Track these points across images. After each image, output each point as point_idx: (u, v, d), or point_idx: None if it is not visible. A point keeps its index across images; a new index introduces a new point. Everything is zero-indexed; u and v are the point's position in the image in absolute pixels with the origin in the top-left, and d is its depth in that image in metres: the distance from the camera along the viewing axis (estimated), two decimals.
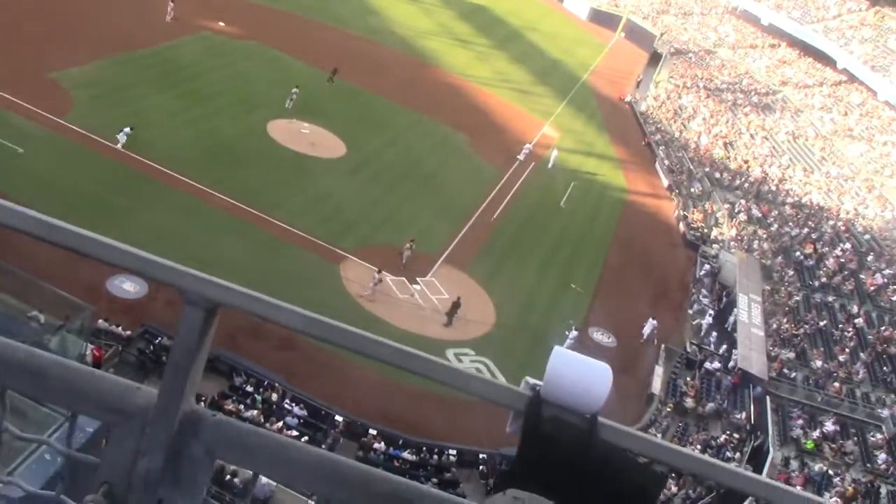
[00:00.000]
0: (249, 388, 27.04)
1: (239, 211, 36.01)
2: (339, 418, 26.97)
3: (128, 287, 28.85)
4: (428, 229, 40.69)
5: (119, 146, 36.99)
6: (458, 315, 34.09)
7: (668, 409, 33.72)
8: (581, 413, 1.67)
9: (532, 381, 1.73)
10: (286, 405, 26.97)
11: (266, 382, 27.44)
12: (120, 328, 26.65)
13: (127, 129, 37.33)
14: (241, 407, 25.96)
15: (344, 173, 43.29)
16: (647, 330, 38.30)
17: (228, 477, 21.45)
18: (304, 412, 26.84)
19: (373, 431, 27.21)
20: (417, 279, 36.32)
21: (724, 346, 39.65)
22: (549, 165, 54.77)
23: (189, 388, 1.74)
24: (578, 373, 1.70)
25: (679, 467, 1.67)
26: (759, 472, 29.82)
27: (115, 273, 28.76)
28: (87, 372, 1.76)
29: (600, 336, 37.62)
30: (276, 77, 51.14)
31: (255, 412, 25.71)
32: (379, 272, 34.37)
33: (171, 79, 45.93)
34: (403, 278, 36.01)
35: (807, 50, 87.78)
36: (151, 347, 26.67)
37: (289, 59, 55.26)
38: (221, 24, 56.67)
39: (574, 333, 34.85)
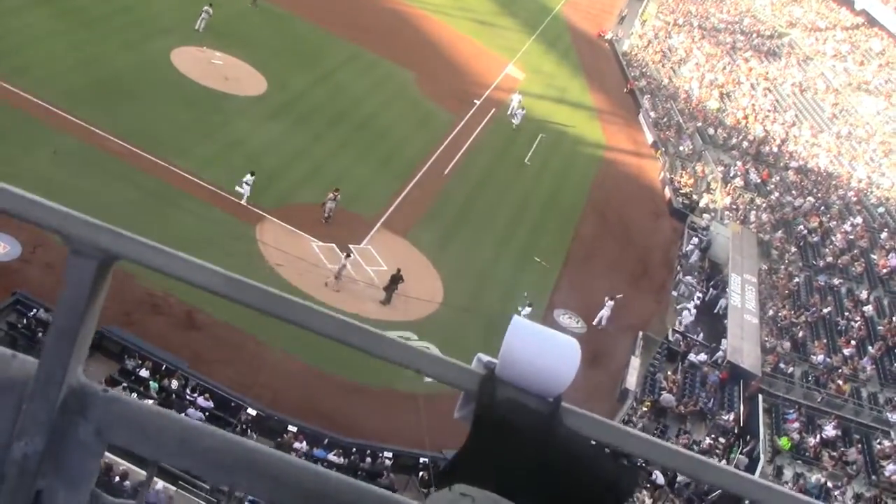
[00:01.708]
0: (144, 374, 26.75)
1: (134, 157, 35.40)
2: (251, 411, 26.88)
3: None
4: (364, 186, 40.53)
5: None
6: (397, 291, 34.12)
7: (645, 408, 34.29)
8: (542, 396, 1.68)
9: (486, 358, 1.75)
10: (188, 395, 26.79)
11: (165, 367, 27.18)
12: None
13: None
14: (134, 395, 25.73)
15: (263, 116, 42.82)
16: (604, 313, 38.45)
17: (118, 479, 21.28)
18: (210, 403, 26.68)
19: (292, 428, 27.14)
20: (350, 246, 36.24)
21: (712, 336, 40.38)
22: (509, 113, 54.89)
23: (76, 358, 1.73)
24: (540, 348, 1.71)
25: (654, 460, 1.71)
26: None
27: None
28: None
29: (567, 319, 37.99)
30: None
31: (150, 402, 25.50)
32: (347, 256, 34.37)
33: None
34: (333, 244, 35.89)
35: None
36: (24, 321, 26.20)
37: None
38: None
39: (527, 310, 34.87)
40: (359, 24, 56.71)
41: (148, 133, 37.05)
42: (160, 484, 22.04)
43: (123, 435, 1.77)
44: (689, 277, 44.74)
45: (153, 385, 26.48)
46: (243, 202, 35.93)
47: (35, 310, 26.41)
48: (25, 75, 37.11)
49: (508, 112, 54.77)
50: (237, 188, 36.04)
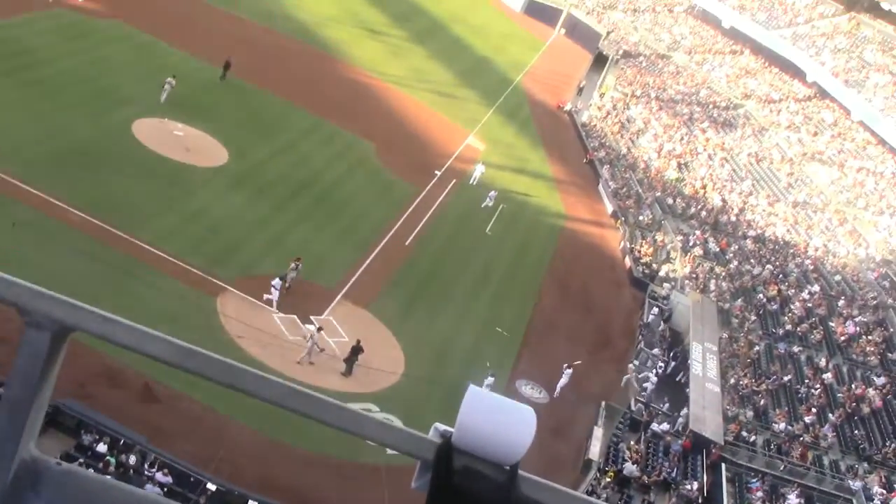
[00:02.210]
0: (102, 448, 26.32)
1: (94, 230, 35.23)
2: (211, 486, 26.50)
3: None
4: (325, 257, 40.58)
5: None
6: (358, 362, 33.98)
7: (608, 479, 34.20)
8: (499, 464, 1.70)
9: (442, 427, 1.76)
10: (147, 470, 26.37)
11: (123, 442, 26.77)
12: None
13: None
14: (91, 472, 25.24)
15: (224, 186, 42.88)
16: (562, 382, 38.55)
17: None
18: (169, 479, 26.27)
19: (253, 503, 26.80)
20: (311, 318, 36.13)
21: (674, 405, 40.49)
22: (472, 182, 55.54)
23: (28, 431, 1.72)
24: (496, 417, 1.72)
25: None
26: None
27: None
28: None
29: (529, 390, 38.01)
30: (147, 67, 50.54)
31: (108, 479, 25.05)
32: (319, 329, 34.21)
33: (9, 64, 44.80)
34: (295, 316, 35.79)
35: (773, 59, 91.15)
36: None
37: (163, 45, 54.70)
38: None
39: (491, 380, 34.82)
40: (320, 95, 57.25)
41: (109, 205, 36.92)
42: None
43: None
44: (651, 347, 44.98)
45: (111, 461, 26.04)
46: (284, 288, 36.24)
47: None
48: None
49: (472, 181, 55.45)
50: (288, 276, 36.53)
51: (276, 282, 35.43)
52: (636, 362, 43.55)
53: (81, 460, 25.49)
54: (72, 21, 52.67)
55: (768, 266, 55.69)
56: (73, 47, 49.65)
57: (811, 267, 56.77)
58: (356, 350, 33.86)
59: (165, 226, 37.63)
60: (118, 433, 26.97)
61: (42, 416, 1.77)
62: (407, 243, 45.39)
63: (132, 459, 26.40)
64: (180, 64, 51.80)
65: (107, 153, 41.08)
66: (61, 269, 31.17)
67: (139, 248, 35.41)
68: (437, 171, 54.15)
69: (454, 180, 54.41)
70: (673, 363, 44.22)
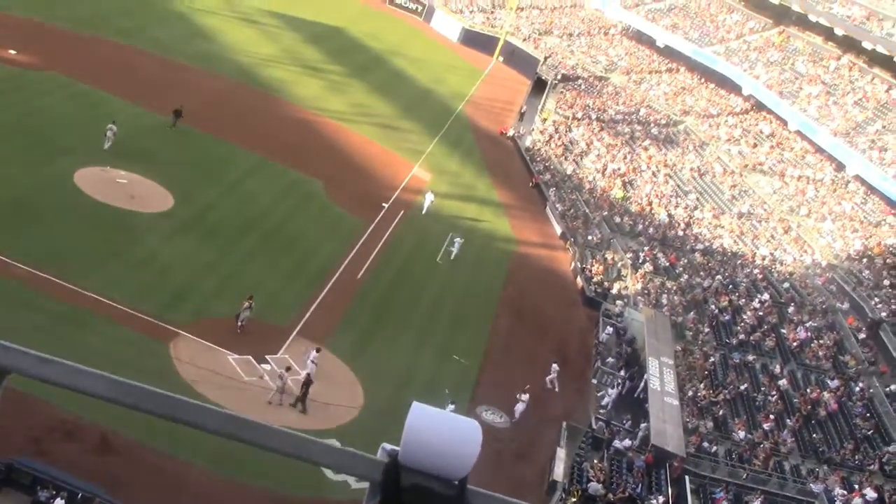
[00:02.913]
0: None
1: (40, 282, 34.65)
2: None
3: None
4: (277, 296, 40.33)
5: None
6: (309, 397, 33.68)
7: (574, 499, 34.21)
8: (447, 479, 1.70)
9: (389, 446, 1.78)
10: None
11: (80, 495, 26.26)
12: None
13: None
14: None
15: (171, 231, 42.51)
16: (519, 408, 38.64)
17: None
18: None
19: None
20: (267, 357, 35.86)
21: (634, 421, 40.71)
22: (423, 212, 55.75)
23: None
24: (442, 432, 1.73)
25: None
26: None
27: None
28: None
29: (490, 416, 37.98)
30: (85, 115, 50.12)
31: None
32: (288, 369, 33.89)
33: None
34: (250, 356, 35.49)
35: (708, 75, 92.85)
36: None
37: (100, 93, 54.28)
38: (12, 51, 55.18)
39: (451, 408, 34.78)
40: (263, 135, 57.14)
41: (54, 256, 36.41)
42: None
43: None
44: (608, 364, 45.24)
45: None
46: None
47: None
48: None
49: (423, 212, 55.68)
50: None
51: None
52: (594, 381, 43.78)
53: None
54: (4, 75, 52.07)
55: (718, 277, 56.36)
56: (8, 100, 49.06)
57: (760, 276, 57.55)
58: (306, 384, 33.62)
59: (113, 274, 37.18)
60: (75, 487, 26.44)
61: None
62: (359, 276, 45.31)
63: None
64: (120, 111, 51.37)
65: (49, 204, 40.55)
66: (6, 325, 30.62)
67: (87, 298, 34.91)
68: (384, 204, 54.22)
69: (402, 211, 54.51)
70: (629, 381, 44.44)
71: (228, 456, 27.95)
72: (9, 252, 35.55)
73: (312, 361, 33.95)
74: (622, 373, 44.87)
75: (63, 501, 25.85)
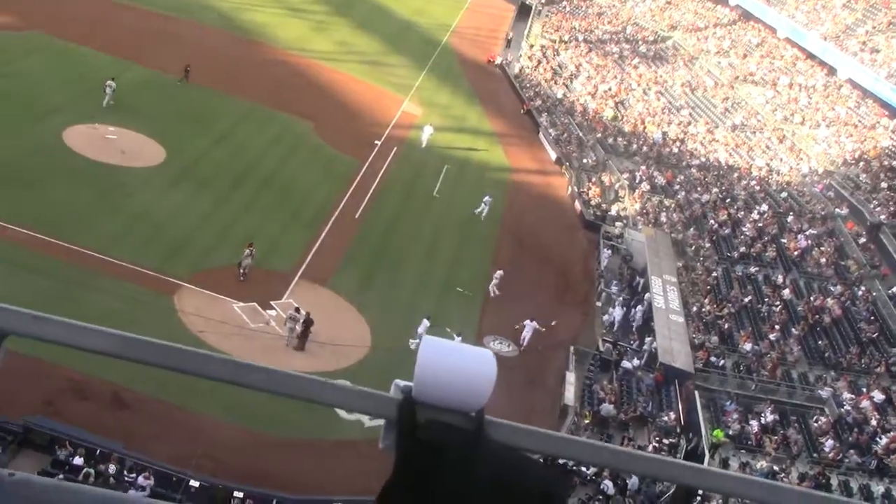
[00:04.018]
0: (79, 461, 26.05)
1: (39, 244, 34.53)
2: (194, 483, 26.37)
3: None
4: (276, 242, 40.28)
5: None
6: (310, 337, 33.85)
7: (587, 421, 34.56)
8: (464, 412, 1.67)
9: (402, 383, 1.73)
10: (127, 477, 26.17)
11: (99, 452, 26.52)
12: None
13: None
14: (46, 478, 24.96)
15: (164, 184, 42.30)
16: (526, 334, 38.67)
17: None
18: (151, 481, 26.09)
19: (238, 495, 26.69)
20: (272, 303, 35.93)
21: (642, 339, 40.95)
22: (423, 145, 55.80)
23: None
24: (455, 364, 1.69)
25: (584, 461, 1.74)
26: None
27: None
28: None
29: (497, 345, 38.12)
30: (71, 74, 49.68)
31: (63, 483, 24.77)
32: (297, 310, 34.18)
33: None
34: (255, 304, 35.56)
35: None
36: None
37: (84, 49, 53.64)
38: None
39: (458, 339, 34.83)
40: (249, 81, 56.61)
41: (50, 217, 36.24)
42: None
43: None
44: (612, 286, 45.36)
45: (90, 472, 25.80)
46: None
47: None
48: None
49: (423, 145, 55.83)
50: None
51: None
52: (599, 303, 43.92)
53: (61, 475, 25.21)
54: None
55: (715, 191, 56.25)
56: None
57: (757, 187, 57.46)
58: (307, 323, 33.75)
59: (110, 231, 37.07)
60: (92, 443, 26.69)
61: None
62: (357, 216, 45.21)
63: (111, 468, 26.18)
64: (106, 67, 50.74)
65: (40, 166, 40.24)
66: (9, 288, 30.60)
67: (87, 257, 34.86)
68: (377, 141, 53.91)
69: (395, 148, 54.23)
70: (633, 301, 44.60)
71: (241, 405, 28.16)
72: (5, 216, 35.38)
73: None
74: (625, 293, 45.00)
75: (82, 459, 26.12)
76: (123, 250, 35.96)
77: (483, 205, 49.43)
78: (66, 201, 38.11)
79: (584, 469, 31.60)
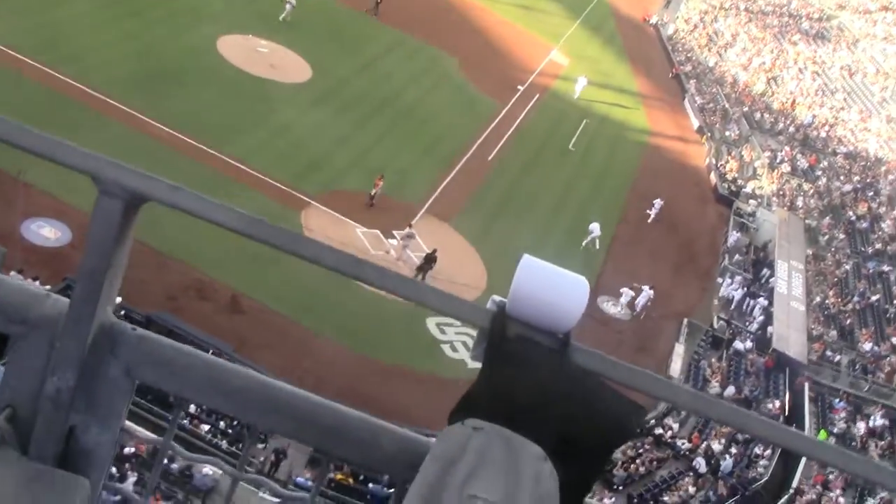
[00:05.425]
0: None
1: (180, 145, 35.77)
2: None
3: (47, 233, 28.71)
4: (407, 173, 40.63)
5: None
6: (431, 272, 34.09)
7: None
8: (552, 332, 1.71)
9: (499, 298, 1.79)
10: None
11: (210, 351, 27.37)
12: (38, 282, 26.58)
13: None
14: (164, 338, 26.00)
15: (308, 102, 43.05)
16: (640, 300, 38.26)
17: (166, 461, 21.63)
18: None
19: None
20: (394, 232, 36.38)
21: (758, 322, 40.02)
22: (576, 97, 55.80)
23: (105, 296, 1.77)
24: (549, 285, 1.75)
25: (661, 398, 1.74)
26: (793, 472, 30.37)
27: (31, 215, 28.68)
28: None
29: (611, 307, 37.84)
30: None
31: (179, 344, 25.79)
32: (410, 226, 35.07)
33: None
34: (378, 231, 36.07)
35: None
36: None
37: None
38: None
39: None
40: (402, 10, 56.71)
41: (194, 121, 37.38)
42: (205, 469, 22.37)
43: (151, 373, 1.83)
44: (736, 264, 44.33)
45: None
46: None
47: None
48: (73, 64, 37.55)
49: (576, 96, 55.81)
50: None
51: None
52: (720, 280, 43.03)
53: None
54: None
55: (858, 182, 54.15)
56: None
57: None
58: (430, 258, 34.06)
59: (250, 141, 38.00)
60: (206, 343, 27.68)
61: (117, 285, 1.83)
62: (489, 158, 45.19)
63: None
64: None
65: (191, 69, 41.47)
66: None
67: (224, 163, 35.89)
68: (520, 87, 53.59)
69: (537, 95, 53.79)
70: (757, 279, 43.56)
71: (353, 330, 28.80)
72: (153, 115, 36.65)
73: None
74: (749, 274, 43.93)
75: None
76: (260, 161, 36.85)
77: (590, 233, 41.52)
78: (211, 107, 39.18)
79: (678, 444, 31.39)
